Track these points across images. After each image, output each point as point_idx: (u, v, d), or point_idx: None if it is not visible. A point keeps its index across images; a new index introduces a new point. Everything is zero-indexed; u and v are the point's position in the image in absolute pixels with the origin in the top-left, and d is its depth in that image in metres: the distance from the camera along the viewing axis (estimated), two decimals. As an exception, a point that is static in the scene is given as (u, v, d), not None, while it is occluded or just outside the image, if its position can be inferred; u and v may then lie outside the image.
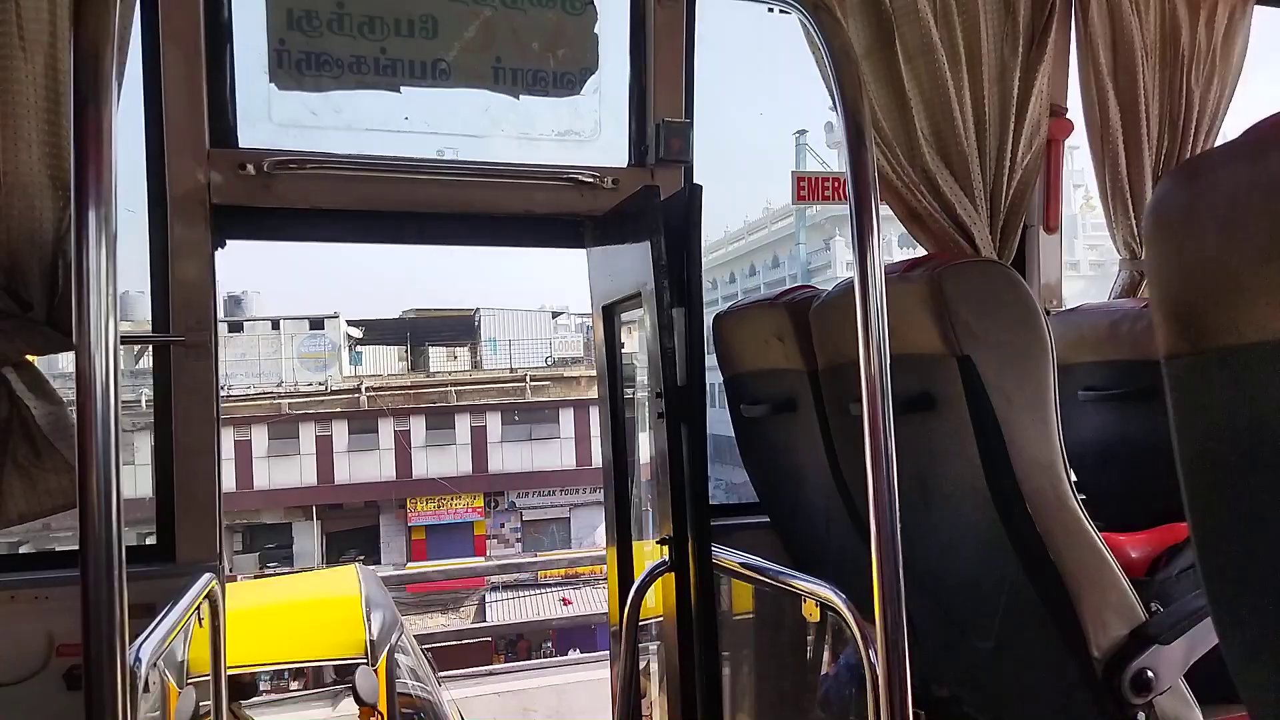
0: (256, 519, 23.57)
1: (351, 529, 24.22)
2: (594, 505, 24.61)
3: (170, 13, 2.28)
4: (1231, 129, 3.06)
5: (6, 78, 1.99)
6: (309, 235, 2.60)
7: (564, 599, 20.04)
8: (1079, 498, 1.64)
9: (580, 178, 2.59)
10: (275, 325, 25.70)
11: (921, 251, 2.69)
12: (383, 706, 4.56)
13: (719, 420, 2.70)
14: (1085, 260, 20.14)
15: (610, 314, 2.61)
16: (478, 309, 27.99)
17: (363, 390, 24.72)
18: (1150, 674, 1.60)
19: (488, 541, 24.17)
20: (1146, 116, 2.95)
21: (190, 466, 2.31)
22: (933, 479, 1.83)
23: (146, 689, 1.54)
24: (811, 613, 1.96)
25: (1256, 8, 3.14)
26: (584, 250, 2.70)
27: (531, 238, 2.77)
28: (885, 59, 2.70)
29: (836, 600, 1.77)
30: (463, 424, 24.62)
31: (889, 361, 1.36)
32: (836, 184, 2.95)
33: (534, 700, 9.96)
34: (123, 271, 1.12)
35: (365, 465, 23.94)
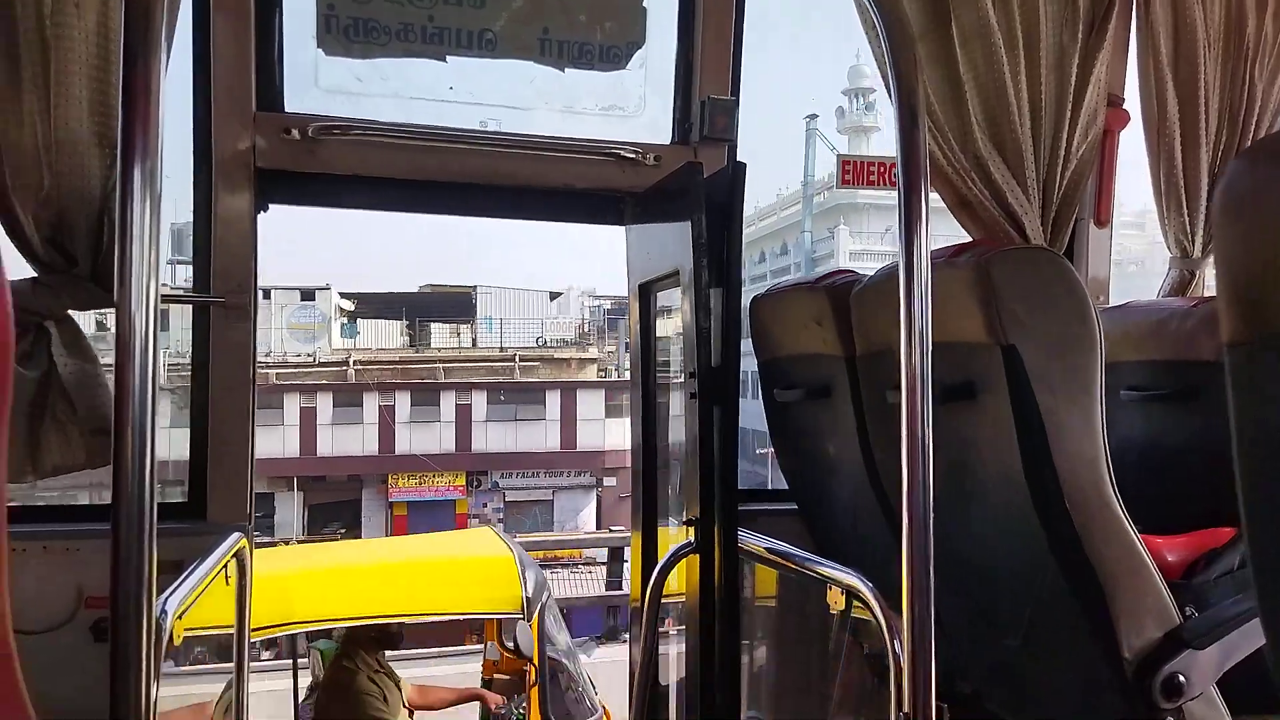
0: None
1: (334, 502, 24.13)
2: (577, 489, 24.64)
3: None
4: (1295, 125, 2.96)
5: (60, 34, 2.01)
6: (351, 202, 2.61)
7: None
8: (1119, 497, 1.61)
9: (622, 153, 2.57)
10: (266, 295, 25.70)
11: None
12: (535, 660, 4.92)
13: (745, 412, 2.68)
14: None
15: (646, 292, 2.59)
16: (475, 287, 27.92)
17: (350, 364, 24.70)
18: (1182, 678, 1.57)
19: (470, 520, 23.73)
20: (1206, 109, 2.86)
21: (224, 427, 2.34)
22: (968, 471, 1.80)
23: (172, 642, 1.56)
24: (836, 601, 1.95)
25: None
26: (621, 227, 2.69)
27: (571, 213, 2.76)
28: (940, 41, 2.65)
29: (863, 589, 1.75)
30: (448, 401, 24.52)
31: (930, 349, 1.34)
32: (883, 168, 2.90)
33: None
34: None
35: (349, 439, 23.89)
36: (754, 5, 2.66)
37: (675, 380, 2.52)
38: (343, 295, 27.07)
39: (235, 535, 2.13)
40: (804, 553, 2.15)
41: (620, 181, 2.59)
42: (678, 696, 2.57)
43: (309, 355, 24.70)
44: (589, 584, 19.80)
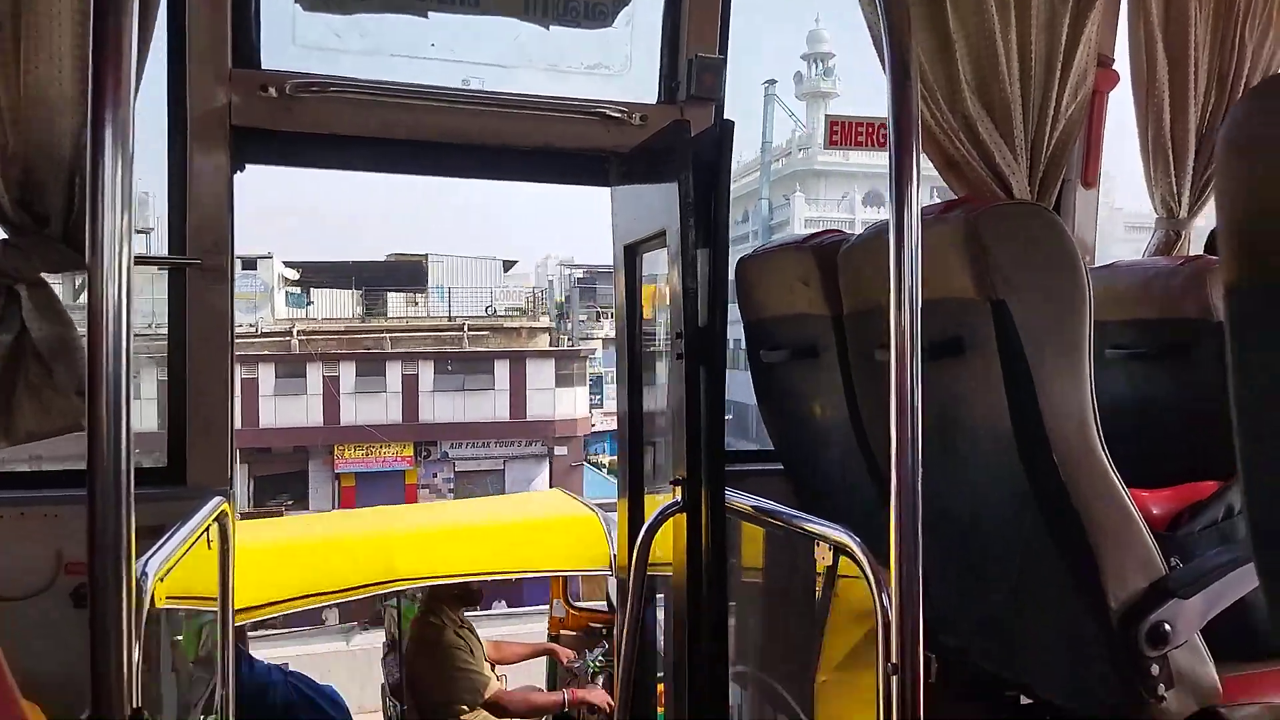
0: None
1: (281, 474, 23.53)
2: (529, 458, 24.37)
3: None
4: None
5: None
6: (328, 161, 2.57)
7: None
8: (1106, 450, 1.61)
9: (608, 112, 2.53)
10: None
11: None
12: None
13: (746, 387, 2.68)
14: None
15: (632, 253, 2.57)
16: (426, 255, 27.39)
17: (294, 334, 24.10)
18: (1167, 627, 1.59)
19: (419, 491, 23.47)
20: (1195, 70, 2.84)
21: (203, 390, 2.31)
22: (956, 425, 1.80)
23: (153, 605, 1.55)
24: (824, 557, 1.95)
25: (1317, -40, 3.00)
26: (607, 189, 2.66)
27: (555, 173, 2.72)
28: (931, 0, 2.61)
29: (850, 543, 1.75)
30: (394, 372, 23.99)
31: (920, 306, 1.33)
32: (870, 129, 2.88)
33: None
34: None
35: (293, 410, 23.23)
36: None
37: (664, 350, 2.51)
38: (286, 264, 26.32)
39: (216, 499, 2.10)
40: (790, 510, 2.15)
41: (605, 141, 2.55)
42: (664, 655, 2.58)
43: (250, 325, 23.63)
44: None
